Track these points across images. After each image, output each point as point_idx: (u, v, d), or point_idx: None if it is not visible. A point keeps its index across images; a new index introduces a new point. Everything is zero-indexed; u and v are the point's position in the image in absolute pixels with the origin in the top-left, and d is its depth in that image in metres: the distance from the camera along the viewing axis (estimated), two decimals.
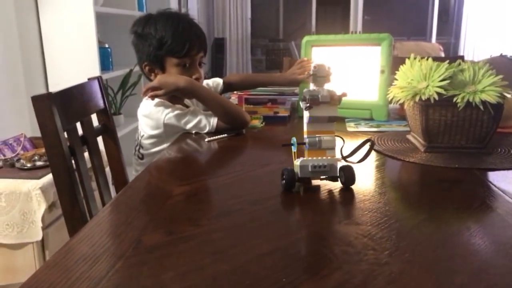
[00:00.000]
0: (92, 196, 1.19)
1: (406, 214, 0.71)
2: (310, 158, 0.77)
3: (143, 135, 1.31)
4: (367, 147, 0.84)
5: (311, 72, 0.80)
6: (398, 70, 1.30)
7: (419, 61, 1.06)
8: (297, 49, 6.28)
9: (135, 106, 3.23)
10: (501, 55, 4.14)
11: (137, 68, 3.01)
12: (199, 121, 1.23)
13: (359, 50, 1.39)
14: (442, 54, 5.81)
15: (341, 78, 1.32)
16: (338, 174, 0.79)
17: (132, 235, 0.62)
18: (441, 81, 0.97)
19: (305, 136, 0.79)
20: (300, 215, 0.73)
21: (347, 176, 0.78)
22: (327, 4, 6.62)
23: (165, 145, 1.27)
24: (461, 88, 0.96)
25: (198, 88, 1.26)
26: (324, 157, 0.78)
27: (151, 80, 1.34)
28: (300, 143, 0.79)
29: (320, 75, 0.79)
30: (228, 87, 1.57)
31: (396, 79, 1.14)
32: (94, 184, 1.25)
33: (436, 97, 0.95)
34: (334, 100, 0.78)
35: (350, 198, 0.76)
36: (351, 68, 1.40)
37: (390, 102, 1.12)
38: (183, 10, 4.99)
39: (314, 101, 0.76)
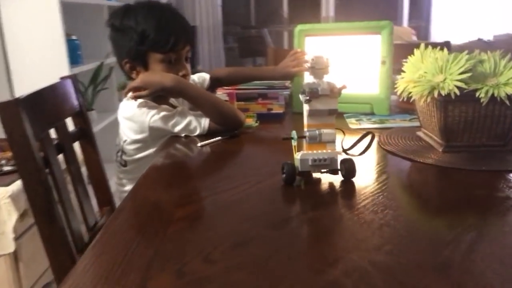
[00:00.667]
0: (72, 212, 1.05)
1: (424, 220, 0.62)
2: (310, 152, 0.77)
3: (125, 140, 1.18)
4: (368, 140, 0.83)
5: (308, 64, 0.79)
6: (383, 60, 1.22)
7: (432, 51, 0.97)
8: (270, 36, 6.17)
9: (107, 101, 3.10)
10: (478, 39, 4.16)
11: (108, 61, 2.87)
12: (189, 123, 1.11)
13: (357, 39, 1.29)
14: (415, 38, 5.80)
15: (338, 70, 1.23)
16: (338, 167, 0.78)
17: (134, 279, 0.51)
18: (461, 73, 0.88)
19: (305, 129, 0.78)
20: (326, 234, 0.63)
21: (348, 169, 0.78)
22: None
23: (151, 150, 1.15)
24: (482, 81, 0.88)
25: (186, 86, 1.14)
26: (324, 151, 0.78)
27: (132, 79, 1.20)
28: (300, 137, 0.78)
29: (319, 67, 0.78)
30: (216, 82, 1.45)
31: (404, 71, 1.05)
32: (72, 195, 1.11)
33: (457, 91, 0.86)
34: (334, 92, 0.77)
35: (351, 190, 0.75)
36: (349, 59, 1.30)
37: (399, 96, 1.03)
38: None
39: (313, 94, 0.75)
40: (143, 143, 1.15)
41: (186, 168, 0.93)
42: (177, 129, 1.11)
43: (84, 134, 1.27)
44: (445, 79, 0.89)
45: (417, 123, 1.17)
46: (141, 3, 1.17)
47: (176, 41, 1.14)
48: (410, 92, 0.97)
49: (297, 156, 0.78)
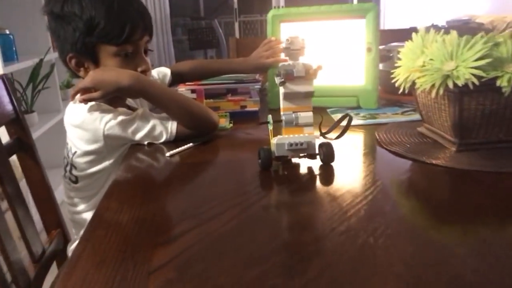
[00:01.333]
0: (10, 240, 0.85)
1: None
2: (286, 136, 0.76)
3: (75, 152, 0.98)
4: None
5: (283, 45, 0.77)
6: (369, 47, 1.09)
7: (437, 34, 0.84)
8: (220, 27, 5.98)
9: (50, 102, 2.80)
10: (433, 25, 4.18)
11: (49, 57, 2.58)
12: (153, 128, 0.93)
13: (339, 24, 1.15)
14: None
15: (318, 59, 1.09)
16: (316, 152, 0.77)
17: None
18: (477, 60, 0.75)
19: (281, 113, 0.76)
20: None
21: (326, 153, 0.76)
22: None
23: (107, 163, 0.96)
24: (500, 68, 0.76)
25: (147, 84, 0.95)
26: (302, 135, 0.76)
27: (79, 77, 1.00)
28: (277, 121, 0.77)
29: (294, 48, 0.76)
30: (178, 78, 1.26)
31: (400, 59, 0.92)
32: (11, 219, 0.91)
33: (476, 81, 0.73)
34: (309, 74, 0.75)
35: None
36: (331, 47, 1.16)
37: (399, 90, 0.90)
38: None
39: (288, 76, 0.74)
40: (97, 155, 0.95)
41: (156, 187, 0.75)
42: (138, 136, 0.92)
43: (22, 145, 1.06)
44: (457, 67, 0.76)
45: (412, 117, 1.05)
46: None
47: (133, 30, 0.94)
48: (413, 83, 0.84)
49: (273, 140, 0.76)
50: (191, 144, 0.90)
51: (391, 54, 1.48)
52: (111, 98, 0.98)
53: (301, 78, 0.74)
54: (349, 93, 1.16)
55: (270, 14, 1.18)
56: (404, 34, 1.94)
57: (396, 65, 0.92)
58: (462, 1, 3.98)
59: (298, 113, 0.76)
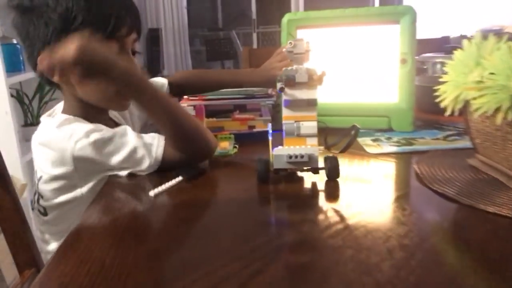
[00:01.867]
0: None
1: None
2: (286, 147, 0.70)
3: (41, 177, 0.81)
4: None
5: (285, 49, 0.72)
6: (403, 58, 0.90)
7: (498, 41, 0.65)
8: (238, 38, 5.86)
9: None
10: (461, 36, 3.95)
11: None
12: (133, 151, 0.75)
13: (367, 31, 0.97)
14: None
15: (342, 72, 0.91)
16: (318, 166, 0.70)
17: None
18: None
19: (282, 122, 0.71)
20: None
21: (331, 167, 0.70)
22: None
23: (79, 192, 0.78)
24: None
25: (145, 83, 0.77)
26: (304, 146, 0.70)
27: (51, 84, 0.84)
28: (276, 130, 0.72)
29: (298, 52, 0.70)
30: (177, 89, 1.09)
31: (445, 72, 0.73)
32: None
33: None
34: (313, 80, 0.69)
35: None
36: (357, 58, 0.97)
37: (443, 110, 0.70)
38: None
39: (289, 82, 0.69)
40: (67, 181, 0.78)
41: (139, 238, 0.57)
42: (115, 160, 0.75)
43: None
44: None
45: (457, 144, 0.85)
46: None
47: (118, 24, 0.78)
48: (465, 103, 0.65)
49: (272, 151, 0.70)
50: (179, 178, 0.72)
51: (425, 67, 1.29)
52: (90, 110, 0.82)
53: (303, 84, 0.69)
54: (379, 113, 0.97)
55: (285, 19, 1.00)
56: (437, 44, 1.75)
57: (441, 80, 0.73)
58: (488, 12, 3.77)
59: (301, 122, 0.69)
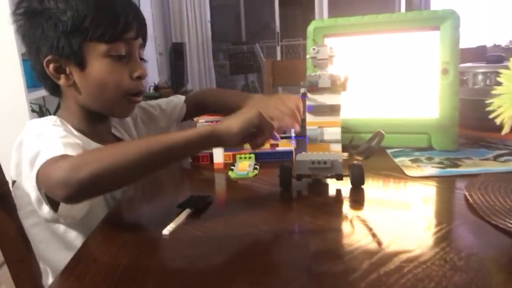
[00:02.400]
0: None
1: None
2: (309, 153, 0.68)
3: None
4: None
5: (308, 56, 0.70)
6: (445, 68, 0.79)
7: None
8: (262, 51, 5.81)
9: None
10: (494, 45, 3.78)
11: None
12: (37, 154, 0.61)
13: (403, 38, 0.87)
14: None
15: (375, 85, 0.82)
16: (342, 172, 0.67)
17: None
18: None
19: (307, 127, 0.70)
20: None
21: (355, 175, 0.67)
22: (289, 5, 6.24)
23: (46, 214, 0.66)
24: None
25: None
26: (327, 152, 0.68)
27: (55, 89, 0.79)
28: (299, 136, 0.74)
29: (321, 58, 0.68)
30: (194, 108, 1.01)
31: (500, 83, 0.63)
32: None
33: None
34: (336, 86, 0.67)
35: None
36: (392, 68, 0.88)
37: (492, 127, 0.60)
38: None
39: (312, 87, 0.68)
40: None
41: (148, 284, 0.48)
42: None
43: None
44: None
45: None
46: None
47: (127, 25, 0.76)
48: None
49: (296, 157, 0.68)
50: (188, 210, 0.62)
51: (465, 78, 1.18)
52: (89, 119, 0.81)
53: (327, 90, 0.68)
54: (417, 130, 0.86)
55: (311, 27, 0.91)
56: (473, 54, 1.63)
57: (493, 92, 0.63)
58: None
59: (324, 128, 0.69)
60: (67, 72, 0.76)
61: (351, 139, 0.72)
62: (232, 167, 0.82)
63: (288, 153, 0.87)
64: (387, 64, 0.88)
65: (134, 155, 0.56)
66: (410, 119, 0.87)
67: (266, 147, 0.89)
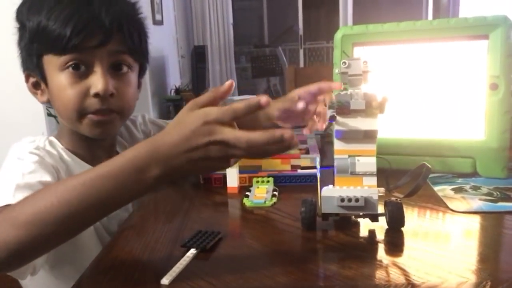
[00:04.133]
0: None
1: None
2: (338, 188, 0.57)
3: None
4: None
5: (337, 71, 0.59)
6: (494, 83, 0.68)
7: None
8: (284, 54, 5.71)
9: None
10: None
11: None
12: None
13: (445, 48, 0.76)
14: None
15: (411, 101, 0.72)
16: (377, 212, 0.56)
17: None
18: None
19: (334, 156, 0.58)
20: None
21: (392, 214, 0.57)
22: (312, 7, 6.14)
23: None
24: None
25: None
26: (359, 187, 0.56)
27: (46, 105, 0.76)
28: (325, 167, 0.59)
29: (353, 74, 0.58)
30: None
31: None
32: None
33: None
34: (372, 107, 0.56)
35: None
36: (431, 82, 0.77)
37: None
38: (157, 17, 4.37)
39: (342, 109, 0.56)
40: None
41: None
42: None
43: None
44: None
45: None
46: None
47: (82, 32, 0.64)
48: None
49: (321, 192, 0.57)
50: (193, 251, 0.53)
51: None
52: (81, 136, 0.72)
53: (360, 112, 0.57)
54: (460, 153, 0.76)
55: (339, 34, 0.81)
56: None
57: None
58: None
59: (356, 157, 0.57)
60: (42, 87, 0.70)
61: (389, 172, 0.61)
62: (248, 193, 0.72)
63: (312, 177, 0.77)
64: (426, 77, 0.77)
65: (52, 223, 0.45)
66: (452, 141, 0.76)
67: (286, 168, 0.80)
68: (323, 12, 6.41)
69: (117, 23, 0.67)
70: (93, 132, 0.71)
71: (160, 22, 4.70)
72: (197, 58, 4.86)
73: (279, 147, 0.44)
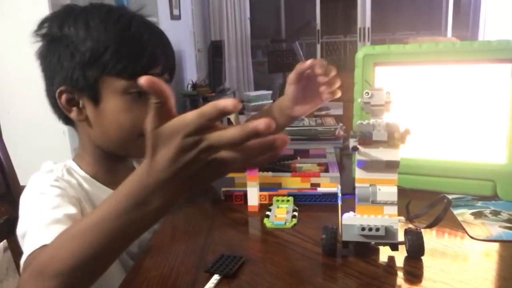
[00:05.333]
0: None
1: None
2: (359, 216, 0.58)
3: None
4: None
5: (360, 100, 0.59)
6: None
7: None
8: (301, 49, 5.69)
9: None
10: None
11: None
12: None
13: (467, 71, 0.76)
14: None
15: (432, 122, 0.73)
16: (397, 241, 0.58)
17: None
18: None
19: (355, 184, 0.59)
20: None
21: (413, 244, 0.58)
22: (330, 1, 6.09)
23: None
24: None
25: None
26: (380, 216, 0.58)
27: (68, 120, 0.74)
28: (347, 194, 0.63)
29: (376, 104, 0.58)
30: None
31: None
32: None
33: None
34: (394, 138, 0.57)
35: None
36: (452, 104, 0.77)
37: None
38: (175, 12, 4.39)
39: (365, 140, 0.57)
40: None
41: None
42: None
43: (13, 228, 0.79)
44: None
45: None
46: (94, 5, 0.70)
47: (152, 60, 0.69)
48: None
49: (342, 220, 0.59)
50: (217, 276, 0.55)
51: None
52: (107, 154, 0.74)
53: (382, 143, 0.57)
54: (480, 175, 0.76)
55: (360, 54, 0.82)
56: None
57: None
58: None
59: (377, 186, 0.58)
60: (80, 105, 0.70)
61: (409, 201, 0.62)
62: (268, 213, 0.74)
63: (332, 196, 0.78)
64: (448, 99, 0.77)
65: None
66: (473, 163, 0.76)
67: (306, 186, 0.81)
68: (340, 5, 6.35)
69: (172, 55, 0.74)
70: (142, 154, 0.72)
71: (178, 17, 4.71)
72: (213, 52, 4.87)
73: (261, 143, 0.39)
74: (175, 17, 4.58)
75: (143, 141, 0.68)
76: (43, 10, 1.95)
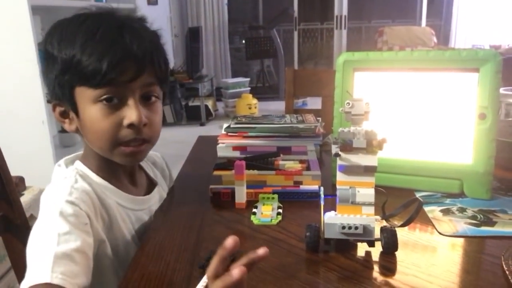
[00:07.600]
0: None
1: None
2: (339, 215, 0.64)
3: None
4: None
5: (342, 110, 0.65)
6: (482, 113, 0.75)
7: None
8: (278, 35, 5.71)
9: None
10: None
11: None
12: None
13: (439, 78, 0.82)
14: (435, 39, 5.28)
15: (405, 125, 0.79)
16: (373, 238, 0.64)
17: None
18: None
19: (337, 186, 0.65)
20: None
21: (387, 241, 0.64)
22: None
23: None
24: None
25: None
26: (359, 215, 0.64)
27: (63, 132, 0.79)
28: (329, 195, 0.68)
29: (356, 114, 0.63)
30: None
31: None
32: None
33: None
34: (372, 145, 0.63)
35: None
36: (424, 108, 0.83)
37: None
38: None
39: (345, 147, 0.63)
40: None
41: None
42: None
43: (10, 224, 0.82)
44: None
45: None
46: (77, 15, 0.71)
47: (117, 66, 0.66)
48: None
49: (324, 218, 0.65)
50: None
51: None
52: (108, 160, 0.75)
53: (361, 149, 0.63)
54: (449, 175, 0.83)
55: (341, 59, 0.87)
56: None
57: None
58: None
59: (357, 188, 0.64)
60: (70, 117, 0.73)
61: (385, 202, 0.68)
62: (255, 210, 0.79)
63: (314, 193, 0.83)
64: (420, 103, 0.83)
65: None
66: (442, 163, 0.83)
67: (289, 184, 0.86)
68: None
69: (149, 56, 0.70)
70: (124, 161, 0.74)
71: (155, 2, 4.67)
72: (191, 38, 4.85)
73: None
74: (152, 2, 4.54)
75: (120, 151, 0.71)
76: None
